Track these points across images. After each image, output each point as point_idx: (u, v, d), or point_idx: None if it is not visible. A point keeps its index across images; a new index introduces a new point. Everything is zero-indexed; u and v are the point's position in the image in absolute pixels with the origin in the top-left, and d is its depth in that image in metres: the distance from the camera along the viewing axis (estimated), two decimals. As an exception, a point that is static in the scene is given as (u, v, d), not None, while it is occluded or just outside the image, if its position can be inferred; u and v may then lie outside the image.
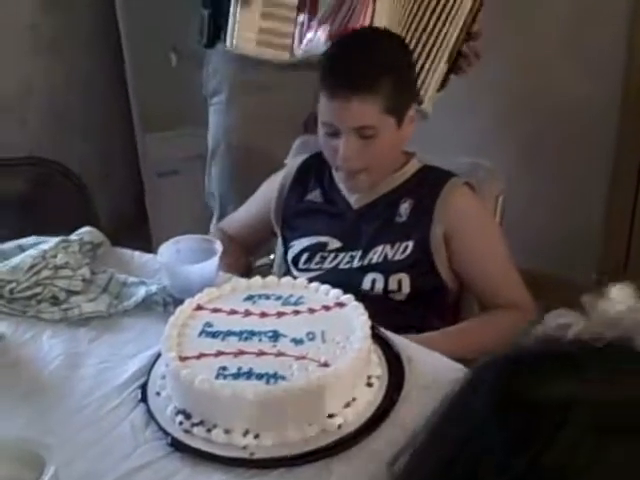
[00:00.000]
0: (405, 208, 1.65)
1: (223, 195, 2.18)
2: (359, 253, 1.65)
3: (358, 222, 1.68)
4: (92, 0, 3.32)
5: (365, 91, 1.55)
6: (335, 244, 1.69)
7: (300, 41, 1.96)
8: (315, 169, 1.76)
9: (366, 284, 1.62)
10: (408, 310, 1.62)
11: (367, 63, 1.58)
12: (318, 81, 1.62)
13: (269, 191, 1.82)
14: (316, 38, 1.97)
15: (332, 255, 1.68)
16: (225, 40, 1.98)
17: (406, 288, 1.62)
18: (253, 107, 2.04)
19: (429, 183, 1.68)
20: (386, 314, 1.46)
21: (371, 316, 1.30)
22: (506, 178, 1.84)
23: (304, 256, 1.71)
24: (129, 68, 3.22)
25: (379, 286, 1.62)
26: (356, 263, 1.65)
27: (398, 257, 1.63)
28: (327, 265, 1.68)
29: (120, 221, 3.37)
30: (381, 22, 1.95)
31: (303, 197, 1.76)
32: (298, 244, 1.73)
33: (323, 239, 1.70)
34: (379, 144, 1.59)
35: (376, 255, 1.64)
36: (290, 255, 1.74)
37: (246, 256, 1.90)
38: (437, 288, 1.66)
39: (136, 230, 3.23)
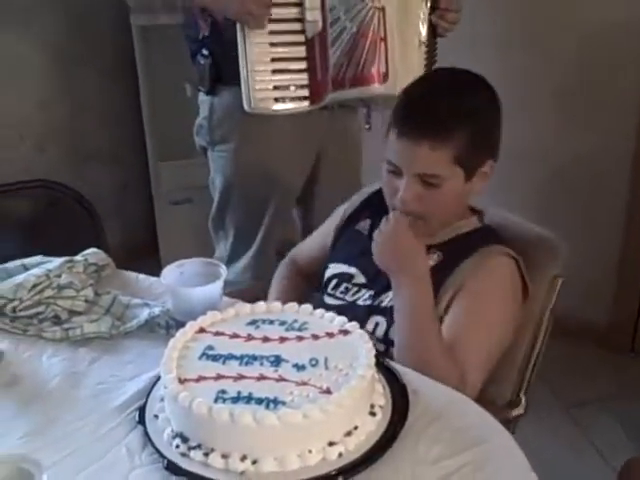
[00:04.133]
0: (432, 260, 1.56)
1: (241, 227, 2.21)
2: (374, 293, 1.61)
3: None
4: (110, 30, 3.38)
5: (437, 138, 1.47)
6: (360, 279, 1.66)
7: (318, 90, 1.94)
8: (374, 204, 1.72)
9: (369, 325, 1.56)
10: None
11: (447, 108, 1.49)
12: (391, 116, 1.55)
13: (333, 220, 1.81)
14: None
15: (355, 289, 1.65)
16: (227, 85, 2.00)
17: None
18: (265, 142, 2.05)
19: (468, 242, 1.59)
20: None
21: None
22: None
23: (333, 282, 1.69)
24: (144, 97, 3.25)
25: (380, 331, 1.55)
26: (368, 302, 1.61)
27: None
28: (349, 297, 1.65)
29: (131, 248, 3.37)
30: (394, 60, 1.95)
31: (355, 225, 1.74)
32: (332, 268, 1.71)
33: (352, 270, 1.67)
34: (442, 194, 1.52)
35: (387, 299, 1.57)
36: (325, 276, 1.72)
37: (307, 284, 1.85)
38: None
39: (147, 258, 3.22)
